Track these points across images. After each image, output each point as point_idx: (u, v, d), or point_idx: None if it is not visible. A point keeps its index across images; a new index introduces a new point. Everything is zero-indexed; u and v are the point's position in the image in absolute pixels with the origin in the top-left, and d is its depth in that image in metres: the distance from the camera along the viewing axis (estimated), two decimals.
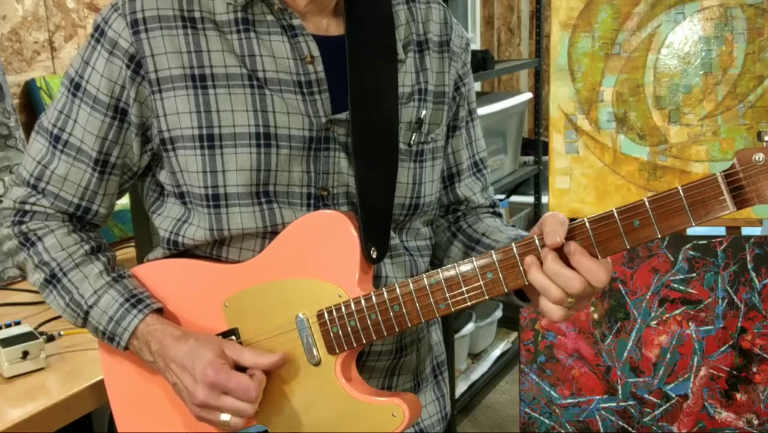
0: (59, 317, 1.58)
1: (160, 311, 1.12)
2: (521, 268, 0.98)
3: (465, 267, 1.00)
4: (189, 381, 1.04)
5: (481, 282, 0.99)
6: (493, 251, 0.99)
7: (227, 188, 1.07)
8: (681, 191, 0.91)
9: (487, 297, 1.00)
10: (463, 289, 1.00)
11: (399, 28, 1.16)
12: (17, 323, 1.48)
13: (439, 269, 1.01)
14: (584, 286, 0.94)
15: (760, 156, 0.88)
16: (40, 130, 1.14)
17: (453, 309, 1.01)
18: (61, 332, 1.50)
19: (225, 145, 1.06)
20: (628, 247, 0.95)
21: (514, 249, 0.98)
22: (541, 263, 0.96)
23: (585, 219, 0.95)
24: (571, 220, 0.97)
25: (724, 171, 0.90)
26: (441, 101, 1.19)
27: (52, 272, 1.13)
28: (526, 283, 0.98)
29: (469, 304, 1.00)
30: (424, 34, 1.19)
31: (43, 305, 1.67)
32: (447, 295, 1.00)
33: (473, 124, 1.27)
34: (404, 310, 1.02)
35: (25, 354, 1.38)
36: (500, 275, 0.98)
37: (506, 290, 0.99)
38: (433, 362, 1.28)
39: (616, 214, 0.94)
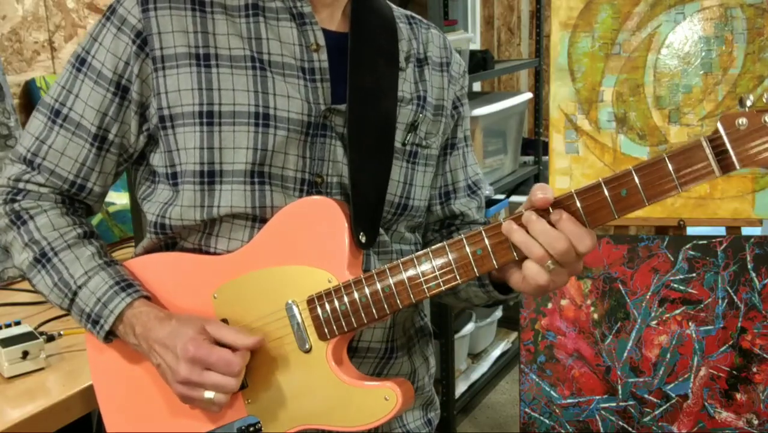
0: (59, 317, 1.59)
1: (148, 299, 1.12)
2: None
3: (455, 245, 1.00)
4: (171, 359, 1.04)
5: (471, 259, 0.99)
6: (482, 228, 0.99)
7: (223, 165, 1.08)
8: (666, 158, 0.91)
9: (477, 274, 0.99)
10: (453, 267, 1.00)
11: (401, 41, 1.20)
12: (17, 323, 1.48)
13: (428, 248, 1.01)
14: (569, 247, 0.94)
15: (742, 120, 0.89)
16: (40, 107, 1.15)
17: (443, 288, 1.01)
18: (61, 332, 1.50)
19: (224, 123, 1.07)
20: (617, 216, 0.95)
21: (504, 223, 0.97)
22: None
23: (572, 191, 0.95)
24: None
25: (708, 136, 0.90)
26: (440, 113, 1.21)
27: (42, 251, 1.13)
28: (516, 257, 0.98)
29: (459, 282, 1.00)
30: (424, 53, 1.22)
31: (43, 305, 1.67)
32: (437, 273, 1.00)
33: (468, 149, 1.29)
34: (394, 290, 1.02)
35: (25, 354, 1.38)
36: (489, 251, 0.98)
37: (496, 266, 0.99)
38: (429, 371, 1.29)
39: (603, 184, 0.94)
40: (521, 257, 0.97)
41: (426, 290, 1.01)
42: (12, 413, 1.26)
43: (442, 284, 1.01)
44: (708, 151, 0.90)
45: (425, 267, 1.01)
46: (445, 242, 1.00)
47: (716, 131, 0.90)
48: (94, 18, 2.33)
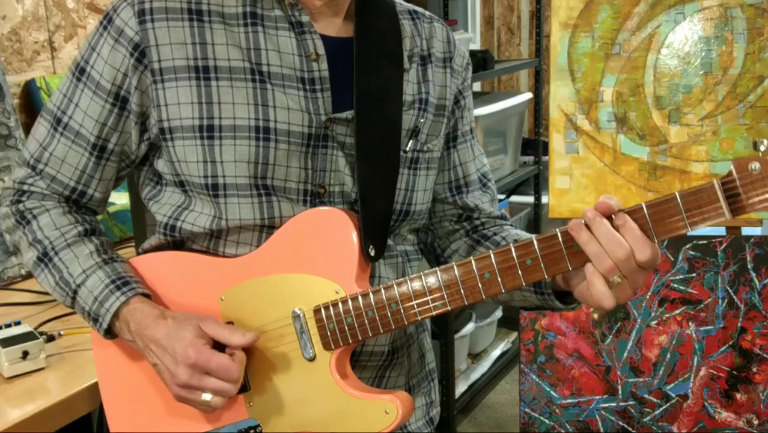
0: (59, 317, 1.59)
1: (146, 296, 1.12)
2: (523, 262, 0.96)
3: (462, 267, 1.00)
4: (170, 362, 1.04)
5: (479, 282, 0.99)
6: (491, 251, 0.99)
7: (226, 179, 1.08)
8: (678, 197, 0.91)
9: (484, 297, 1.00)
10: (461, 288, 1.00)
11: (405, 39, 1.18)
12: (17, 323, 1.48)
13: (436, 268, 1.01)
14: (629, 255, 0.93)
15: (755, 165, 0.89)
16: (44, 113, 1.16)
17: (450, 307, 1.01)
18: (61, 332, 1.51)
19: (224, 136, 1.07)
20: None
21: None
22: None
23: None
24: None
25: (721, 179, 0.90)
26: (441, 114, 1.21)
27: (44, 250, 1.14)
28: (524, 283, 0.97)
29: (465, 303, 1.00)
30: (427, 49, 1.21)
31: (43, 305, 1.67)
32: (444, 293, 1.01)
33: (474, 141, 1.29)
34: (401, 307, 1.02)
35: (25, 354, 1.38)
36: (498, 276, 0.98)
37: (503, 290, 0.99)
38: (425, 368, 1.28)
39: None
40: (575, 267, 0.97)
41: (432, 309, 1.02)
42: (12, 413, 1.26)
43: (449, 303, 1.01)
44: (720, 193, 0.90)
45: (433, 287, 1.01)
46: (453, 264, 1.00)
47: (729, 174, 0.90)
48: (94, 18, 2.33)
